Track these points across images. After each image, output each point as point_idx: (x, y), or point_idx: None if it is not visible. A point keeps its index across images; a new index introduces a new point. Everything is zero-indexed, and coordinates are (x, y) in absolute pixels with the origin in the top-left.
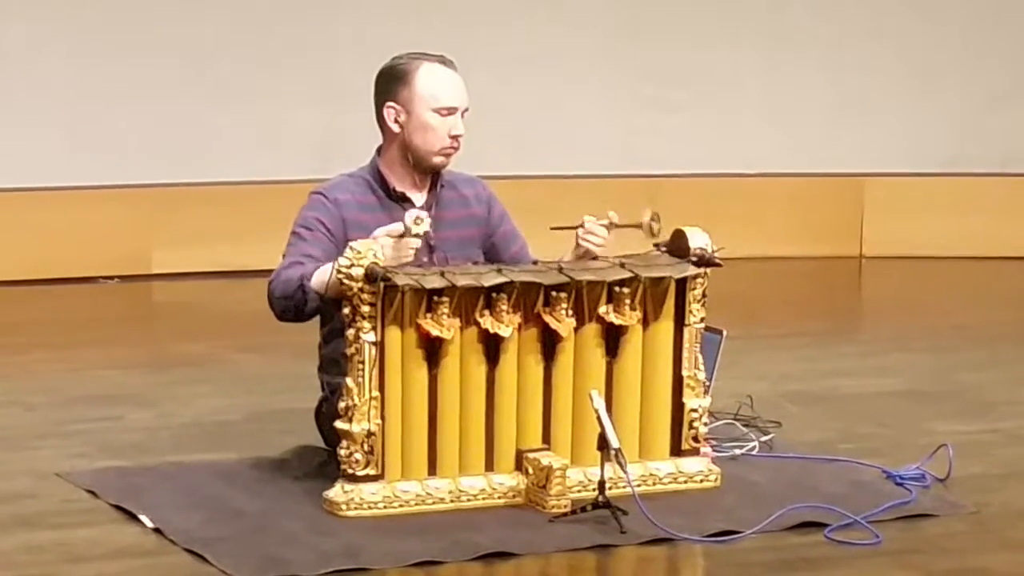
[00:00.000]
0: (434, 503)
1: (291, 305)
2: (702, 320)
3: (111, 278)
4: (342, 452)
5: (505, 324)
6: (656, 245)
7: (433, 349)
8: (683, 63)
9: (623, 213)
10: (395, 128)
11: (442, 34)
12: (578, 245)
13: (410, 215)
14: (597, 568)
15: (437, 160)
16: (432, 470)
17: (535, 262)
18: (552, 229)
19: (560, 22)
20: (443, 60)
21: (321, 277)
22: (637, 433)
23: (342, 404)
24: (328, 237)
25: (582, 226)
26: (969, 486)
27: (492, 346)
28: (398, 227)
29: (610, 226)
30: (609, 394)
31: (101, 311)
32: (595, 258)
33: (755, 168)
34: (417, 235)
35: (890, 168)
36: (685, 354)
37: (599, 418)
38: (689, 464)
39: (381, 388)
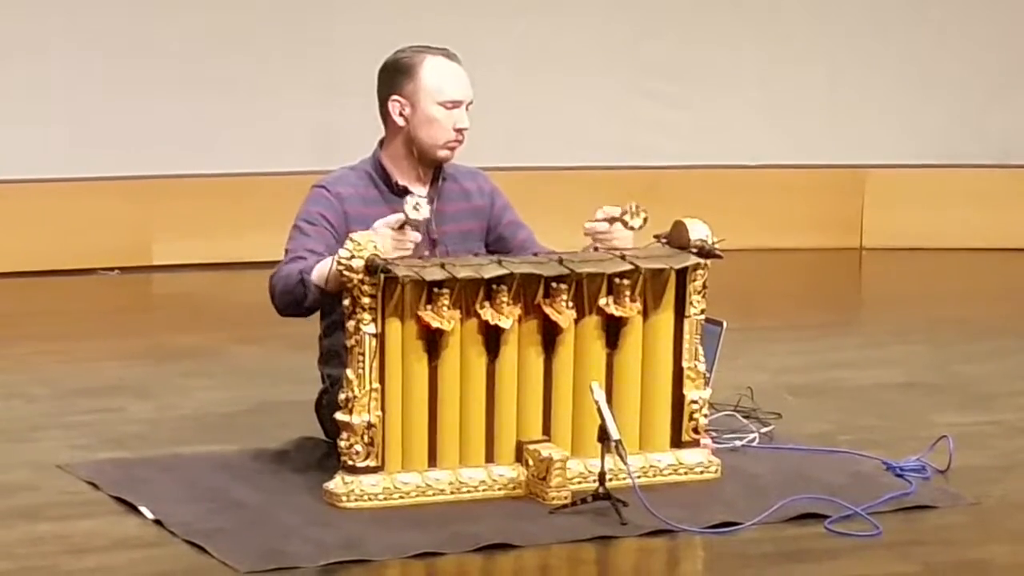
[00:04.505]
0: (434, 495)
1: (292, 300)
2: (702, 312)
3: (111, 270)
4: (342, 444)
5: (505, 316)
6: (656, 236)
7: (433, 341)
8: (684, 55)
9: (622, 205)
10: (400, 121)
11: (442, 28)
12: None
13: (409, 201)
14: (597, 559)
15: (442, 153)
16: (432, 462)
17: (535, 254)
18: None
19: (561, 16)
20: (447, 53)
21: (321, 271)
22: (637, 425)
23: (342, 396)
24: (330, 231)
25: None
26: (969, 478)
27: (492, 338)
28: (398, 217)
29: (611, 221)
30: (609, 386)
31: (101, 303)
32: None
33: (755, 160)
34: (417, 222)
35: (891, 160)
36: (685, 346)
37: (599, 410)
38: (689, 455)
39: (381, 380)
